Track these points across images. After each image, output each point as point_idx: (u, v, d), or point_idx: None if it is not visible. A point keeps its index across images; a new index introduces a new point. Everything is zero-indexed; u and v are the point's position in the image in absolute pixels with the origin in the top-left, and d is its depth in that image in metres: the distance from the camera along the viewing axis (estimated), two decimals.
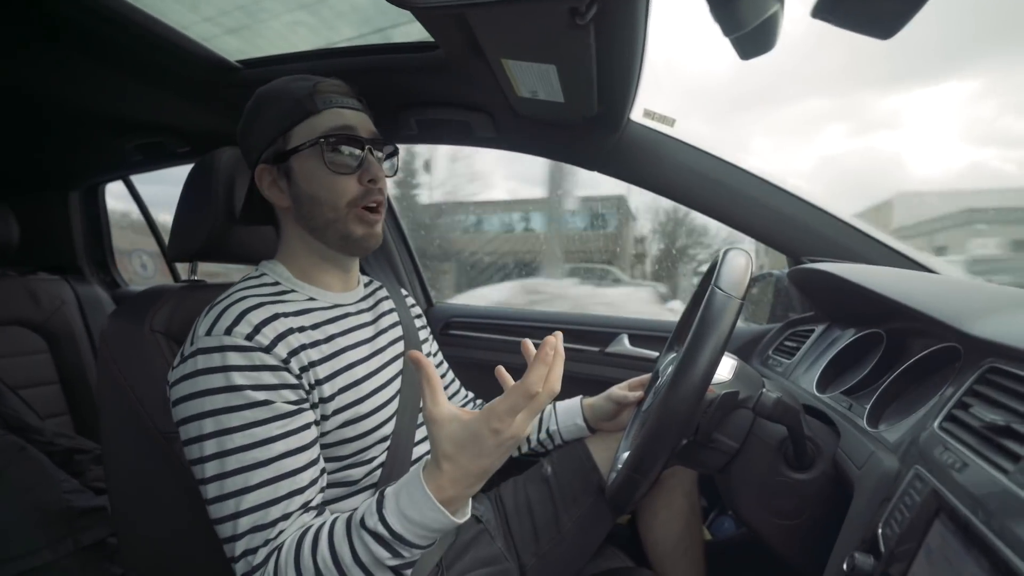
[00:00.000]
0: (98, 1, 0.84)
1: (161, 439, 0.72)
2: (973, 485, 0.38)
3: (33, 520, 1.17)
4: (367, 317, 0.80)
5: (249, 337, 0.61)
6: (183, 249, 0.84)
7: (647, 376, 0.92)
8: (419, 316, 0.94)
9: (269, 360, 0.61)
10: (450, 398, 0.98)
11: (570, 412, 0.95)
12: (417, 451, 0.77)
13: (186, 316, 0.75)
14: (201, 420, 0.59)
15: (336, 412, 0.67)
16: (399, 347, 0.82)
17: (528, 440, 0.97)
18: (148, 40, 0.93)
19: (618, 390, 0.91)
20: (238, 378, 0.59)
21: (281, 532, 0.58)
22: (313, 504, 0.61)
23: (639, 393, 0.89)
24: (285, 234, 0.75)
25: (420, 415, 0.78)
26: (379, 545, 0.54)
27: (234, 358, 0.60)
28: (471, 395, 1.03)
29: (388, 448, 0.73)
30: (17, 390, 1.50)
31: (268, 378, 0.61)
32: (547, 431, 0.95)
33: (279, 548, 0.57)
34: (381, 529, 0.54)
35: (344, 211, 0.70)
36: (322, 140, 0.68)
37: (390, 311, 0.85)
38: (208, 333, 0.61)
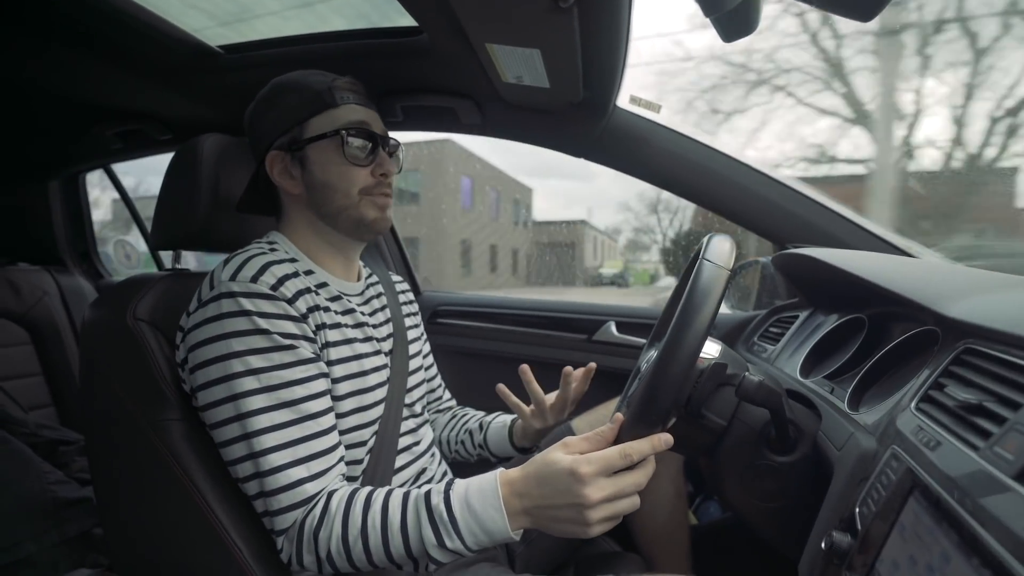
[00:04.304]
0: None
1: (147, 428, 0.71)
2: (945, 463, 0.38)
3: (17, 512, 1.16)
4: (366, 309, 0.82)
5: (274, 288, 0.65)
6: (166, 237, 0.83)
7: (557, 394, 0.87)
8: (414, 313, 0.95)
9: (291, 311, 0.65)
10: (428, 393, 0.99)
11: (499, 429, 0.93)
12: (401, 442, 0.78)
13: (171, 304, 0.74)
14: (227, 361, 0.62)
15: (343, 379, 0.71)
16: (389, 343, 0.83)
17: (465, 446, 0.96)
18: (127, 25, 0.91)
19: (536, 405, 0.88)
20: (263, 323, 0.63)
21: (326, 470, 0.63)
22: (339, 452, 0.66)
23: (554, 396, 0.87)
24: (291, 220, 0.78)
25: (404, 409, 0.80)
26: (429, 526, 0.58)
27: (261, 304, 0.63)
28: (451, 397, 1.04)
29: (376, 432, 0.75)
30: None
31: (291, 327, 0.65)
32: (478, 444, 0.95)
33: (329, 493, 0.62)
34: (442, 508, 0.58)
35: (356, 198, 0.74)
36: (343, 132, 0.72)
37: (383, 308, 0.87)
38: (232, 279, 0.64)
